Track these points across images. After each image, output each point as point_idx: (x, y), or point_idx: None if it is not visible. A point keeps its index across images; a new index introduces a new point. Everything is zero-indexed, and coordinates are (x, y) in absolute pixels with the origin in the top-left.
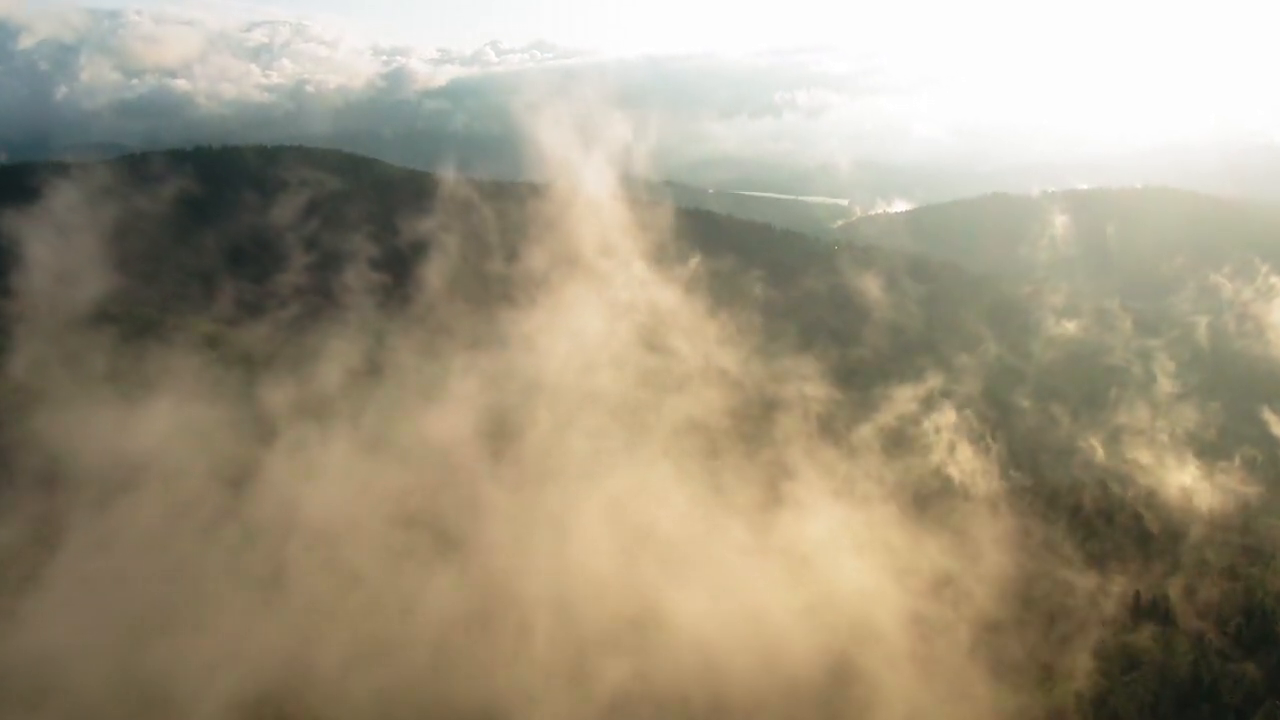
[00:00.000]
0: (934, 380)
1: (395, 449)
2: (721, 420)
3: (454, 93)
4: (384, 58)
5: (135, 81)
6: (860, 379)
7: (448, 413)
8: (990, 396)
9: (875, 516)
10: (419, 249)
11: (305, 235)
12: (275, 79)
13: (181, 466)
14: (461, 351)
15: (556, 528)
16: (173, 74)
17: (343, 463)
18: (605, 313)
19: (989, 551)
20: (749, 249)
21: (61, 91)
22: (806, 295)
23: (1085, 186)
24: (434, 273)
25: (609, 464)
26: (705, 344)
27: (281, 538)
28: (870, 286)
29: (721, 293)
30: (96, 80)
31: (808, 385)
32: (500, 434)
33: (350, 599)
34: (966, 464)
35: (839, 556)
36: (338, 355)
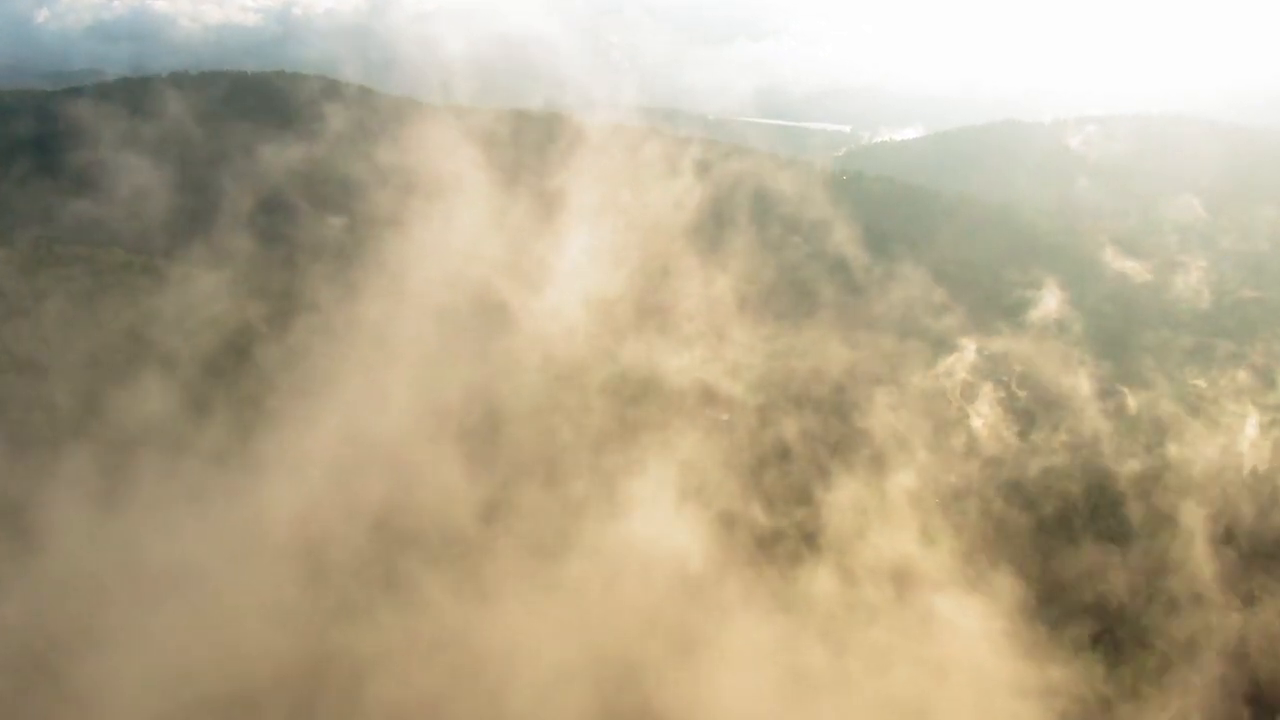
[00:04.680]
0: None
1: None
2: (747, 417)
3: (445, 16)
4: None
5: (116, 3)
6: (887, 339)
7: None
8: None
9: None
10: (376, 186)
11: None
12: (262, 1)
13: None
14: (397, 331)
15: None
16: None
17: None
18: (593, 266)
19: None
20: (753, 179)
21: (42, 15)
22: (816, 231)
23: (1098, 113)
24: (385, 218)
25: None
26: (713, 303)
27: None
28: (883, 221)
29: (726, 230)
30: (76, 1)
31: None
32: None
33: None
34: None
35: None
36: (194, 333)
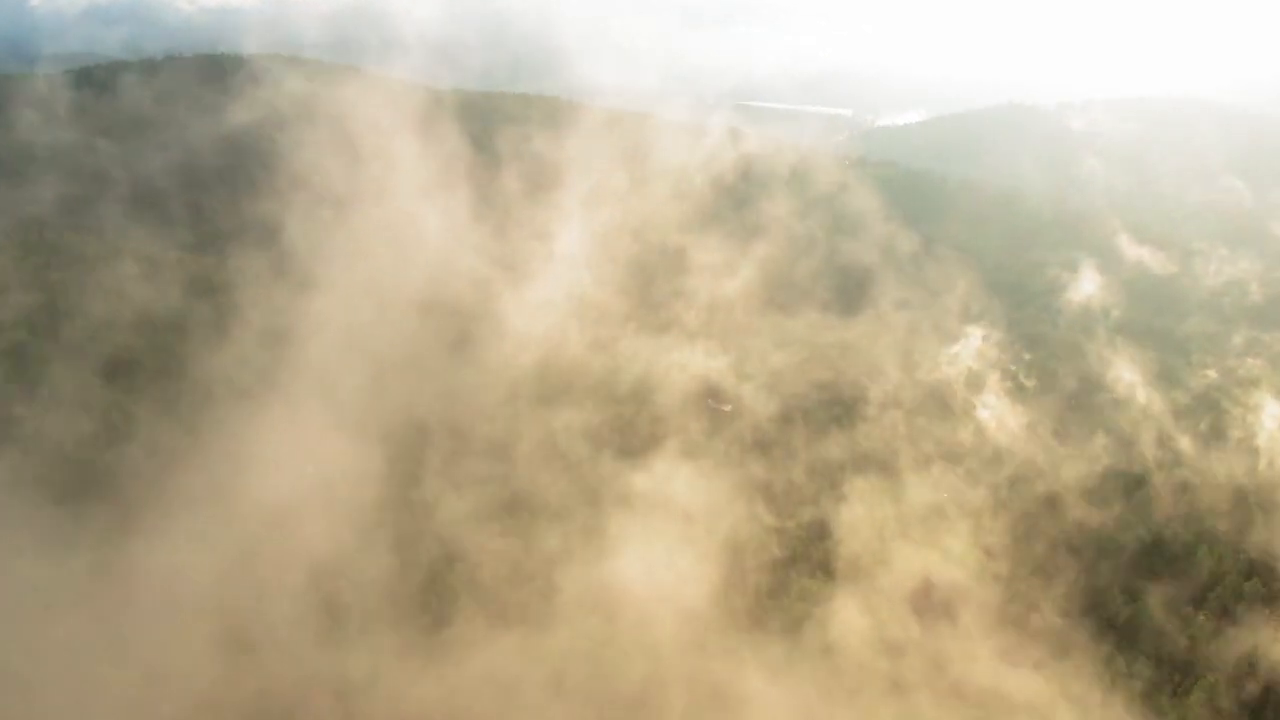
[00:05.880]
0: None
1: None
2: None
3: None
4: None
5: None
6: (894, 322)
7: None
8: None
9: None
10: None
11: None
12: None
13: None
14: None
15: None
16: None
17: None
18: (584, 255)
19: None
20: (752, 163)
21: None
22: (817, 219)
23: (1104, 97)
24: (371, 205)
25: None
26: (713, 295)
27: None
28: (886, 205)
29: (724, 218)
30: None
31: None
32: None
33: None
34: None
35: None
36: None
